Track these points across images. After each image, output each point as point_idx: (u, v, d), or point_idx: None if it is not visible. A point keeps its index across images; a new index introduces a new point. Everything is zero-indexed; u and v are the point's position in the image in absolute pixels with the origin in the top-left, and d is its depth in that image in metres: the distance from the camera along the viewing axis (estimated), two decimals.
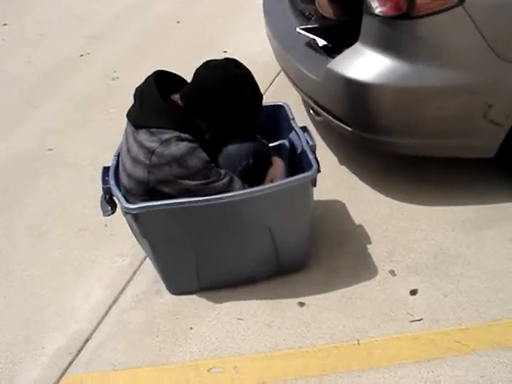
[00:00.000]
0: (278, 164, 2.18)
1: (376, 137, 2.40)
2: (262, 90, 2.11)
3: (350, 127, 2.42)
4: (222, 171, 1.99)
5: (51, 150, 3.06)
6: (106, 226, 2.57)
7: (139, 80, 2.07)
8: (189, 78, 2.08)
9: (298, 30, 2.68)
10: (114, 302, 2.23)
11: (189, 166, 1.92)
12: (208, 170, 1.96)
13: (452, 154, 2.47)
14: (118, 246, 2.46)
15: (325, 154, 2.85)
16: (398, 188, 2.63)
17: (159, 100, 1.97)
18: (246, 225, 2.06)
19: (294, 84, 2.73)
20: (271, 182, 2.11)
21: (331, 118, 2.49)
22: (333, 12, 2.84)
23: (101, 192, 2.12)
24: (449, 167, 2.65)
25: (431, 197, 2.58)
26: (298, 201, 2.08)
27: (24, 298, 2.27)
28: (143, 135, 1.95)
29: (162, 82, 2.04)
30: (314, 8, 2.92)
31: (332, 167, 2.78)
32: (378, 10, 2.20)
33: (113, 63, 3.77)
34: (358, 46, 2.30)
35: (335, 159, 2.83)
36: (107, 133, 3.07)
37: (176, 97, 2.05)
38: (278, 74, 3.35)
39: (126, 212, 1.98)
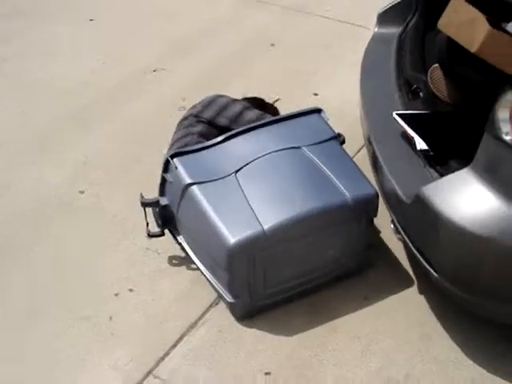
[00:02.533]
0: None
1: (469, 296, 1.74)
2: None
3: (436, 273, 1.77)
4: None
5: (82, 192, 2.61)
6: (110, 318, 2.09)
7: None
8: None
9: (394, 115, 2.03)
10: None
11: None
12: None
13: None
14: (115, 355, 1.97)
15: (402, 275, 2.21)
16: (486, 349, 1.96)
17: None
18: None
19: (376, 182, 2.09)
20: None
21: (415, 251, 1.85)
22: (448, 93, 2.16)
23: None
24: None
25: None
26: None
27: None
28: None
29: None
30: (425, 80, 2.25)
31: (407, 295, 2.14)
32: (508, 137, 1.52)
33: (185, 87, 3.26)
34: (468, 173, 1.64)
35: (414, 284, 2.17)
36: (152, 181, 2.52)
37: None
38: (360, 150, 2.71)
39: None
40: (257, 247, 1.86)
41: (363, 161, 2.42)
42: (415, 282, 2.18)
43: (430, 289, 2.14)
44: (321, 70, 3.40)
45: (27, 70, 3.47)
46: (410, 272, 2.22)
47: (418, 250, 1.83)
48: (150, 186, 2.29)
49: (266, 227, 1.84)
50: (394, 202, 1.93)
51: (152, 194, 2.23)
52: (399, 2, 2.63)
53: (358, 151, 2.69)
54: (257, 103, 2.51)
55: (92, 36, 3.82)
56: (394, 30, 2.59)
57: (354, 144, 2.66)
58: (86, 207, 2.54)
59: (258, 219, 1.86)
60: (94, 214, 2.50)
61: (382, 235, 2.33)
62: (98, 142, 2.91)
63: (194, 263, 2.19)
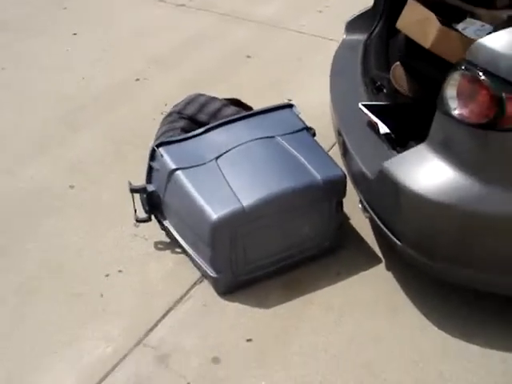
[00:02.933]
0: None
1: (429, 261, 1.93)
2: None
3: (399, 242, 1.97)
4: None
5: (72, 187, 2.77)
6: (101, 296, 2.24)
7: None
8: None
9: (359, 105, 2.25)
10: None
11: None
12: None
13: None
14: (107, 327, 2.12)
15: (370, 252, 2.41)
16: (450, 316, 2.15)
17: None
18: None
19: (346, 167, 2.30)
20: None
21: (380, 224, 2.05)
22: (408, 87, 2.39)
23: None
24: None
25: (489, 337, 2.07)
26: None
27: None
28: None
29: None
30: (388, 78, 2.48)
31: (376, 271, 2.33)
32: (456, 112, 1.74)
33: (167, 95, 3.45)
34: (423, 148, 1.85)
35: (381, 261, 2.37)
36: (137, 177, 2.69)
37: None
38: (333, 145, 2.92)
39: None
40: (237, 223, 2.04)
41: (334, 157, 2.64)
42: (383, 259, 2.38)
43: (396, 265, 2.34)
44: (294, 80, 3.62)
45: (19, 79, 3.64)
46: (378, 251, 2.41)
47: (382, 222, 2.03)
48: (136, 179, 2.43)
49: (245, 204, 2.03)
50: (361, 182, 2.14)
51: (138, 183, 2.40)
52: (365, 12, 2.87)
53: (330, 149, 2.90)
54: (234, 102, 2.72)
55: (76, 49, 4.01)
56: (361, 37, 2.82)
57: (327, 142, 2.87)
58: (76, 200, 2.70)
59: (237, 198, 2.04)
60: (84, 206, 2.67)
61: (352, 220, 2.53)
62: (87, 142, 3.08)
63: (179, 247, 2.37)
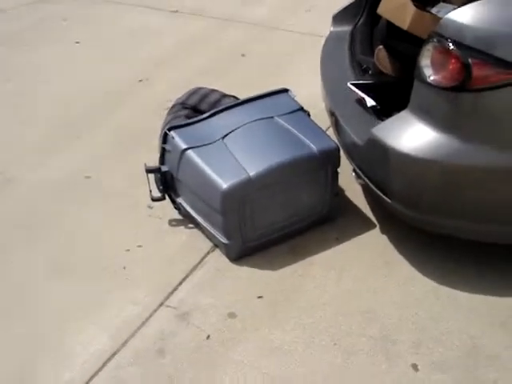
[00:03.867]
0: None
1: (417, 214, 2.18)
2: None
3: (390, 200, 2.21)
4: None
5: (89, 177, 3.01)
6: (124, 268, 2.47)
7: None
8: None
9: (348, 84, 2.51)
10: (113, 354, 2.12)
11: None
12: None
13: (501, 240, 2.21)
14: (131, 293, 2.35)
15: (365, 219, 2.65)
16: (437, 267, 2.39)
17: None
18: None
19: (340, 142, 2.55)
20: None
21: (372, 186, 2.30)
22: (391, 67, 2.64)
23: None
24: (501, 254, 2.38)
25: (474, 283, 2.32)
26: None
27: (27, 334, 2.20)
28: None
29: None
30: (373, 61, 2.74)
31: (371, 235, 2.58)
32: (431, 78, 2.00)
33: (169, 92, 3.69)
34: (405, 113, 2.10)
35: (376, 226, 2.61)
36: (149, 163, 2.93)
37: None
38: (329, 127, 3.18)
39: None
40: (245, 191, 2.29)
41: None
42: (377, 224, 2.62)
43: (389, 229, 2.59)
44: (287, 73, 3.88)
45: (27, 89, 3.89)
46: (372, 217, 2.66)
47: (374, 183, 2.27)
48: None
49: (251, 174, 2.28)
50: (353, 150, 2.39)
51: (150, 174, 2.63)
52: (350, 5, 3.13)
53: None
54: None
55: (80, 56, 4.27)
56: (347, 28, 3.08)
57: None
58: (92, 188, 2.94)
59: (244, 169, 2.29)
60: (100, 194, 2.90)
61: (346, 192, 2.78)
62: (99, 138, 3.33)
63: (191, 222, 2.61)
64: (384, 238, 2.57)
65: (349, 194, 2.78)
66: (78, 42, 4.46)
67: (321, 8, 4.80)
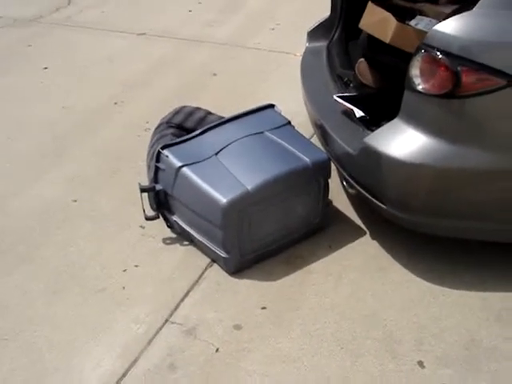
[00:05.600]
0: None
1: (411, 217, 2.28)
2: None
3: (385, 205, 2.30)
4: None
5: (75, 201, 3.00)
6: (123, 288, 2.47)
7: None
8: None
9: (335, 97, 2.60)
10: (124, 375, 2.12)
11: None
12: None
13: (492, 238, 2.33)
14: (134, 312, 2.35)
15: (356, 227, 2.74)
16: (431, 269, 2.49)
17: None
18: None
19: (329, 153, 2.63)
20: None
21: (365, 194, 2.38)
22: (372, 80, 2.76)
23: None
24: (488, 250, 2.50)
25: (466, 281, 2.43)
26: None
27: (31, 363, 2.17)
28: None
29: None
30: (353, 74, 2.85)
31: (362, 241, 2.66)
32: (420, 87, 2.11)
33: (146, 113, 3.73)
34: (397, 121, 2.20)
35: (366, 233, 2.70)
36: (133, 186, 2.96)
37: None
38: (311, 137, 3.26)
39: None
40: (244, 204, 2.33)
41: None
42: (367, 231, 2.71)
43: (379, 235, 2.68)
44: (259, 89, 3.95)
45: (4, 110, 3.86)
46: (362, 225, 2.75)
47: (367, 191, 2.36)
48: (132, 187, 2.73)
49: (249, 187, 2.33)
50: (344, 160, 2.47)
51: (136, 193, 2.65)
52: (323, 22, 3.25)
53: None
54: None
55: (50, 81, 4.24)
56: (322, 43, 3.19)
57: None
58: (81, 211, 2.93)
59: (241, 183, 2.34)
60: (89, 216, 2.89)
61: (335, 202, 2.85)
62: (79, 161, 3.31)
63: (186, 239, 2.64)
64: (375, 244, 2.65)
65: (337, 203, 2.85)
66: (45, 68, 4.43)
67: (284, 26, 4.95)
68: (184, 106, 3.01)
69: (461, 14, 2.03)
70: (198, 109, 2.98)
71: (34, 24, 5.23)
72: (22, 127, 3.66)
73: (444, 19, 2.13)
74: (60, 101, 3.95)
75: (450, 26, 2.03)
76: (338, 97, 2.58)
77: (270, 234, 2.49)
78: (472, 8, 2.04)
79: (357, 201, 2.83)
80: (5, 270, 2.59)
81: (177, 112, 2.95)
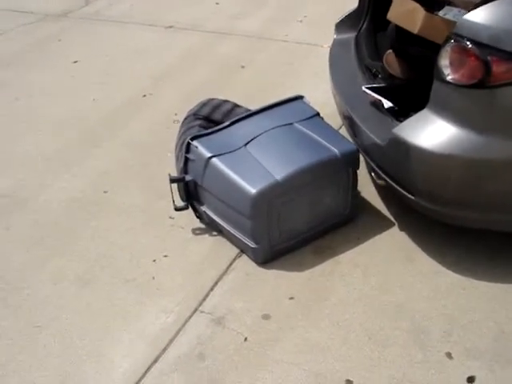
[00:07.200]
0: None
1: (440, 208, 2.26)
2: None
3: (414, 196, 2.29)
4: None
5: (106, 192, 3.05)
6: (153, 278, 2.51)
7: None
8: None
9: (363, 88, 2.59)
10: (154, 362, 2.16)
11: None
12: None
13: None
14: (164, 302, 2.39)
15: (384, 218, 2.73)
16: (460, 260, 2.48)
17: None
18: None
19: (357, 144, 2.62)
20: None
21: (394, 184, 2.38)
22: (400, 70, 2.74)
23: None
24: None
25: (495, 272, 2.41)
26: None
27: (63, 349, 2.23)
28: None
29: None
30: (381, 65, 2.83)
31: (390, 232, 2.65)
32: (449, 78, 2.09)
33: (174, 105, 3.76)
34: (426, 112, 2.19)
35: (394, 224, 2.69)
36: (163, 177, 2.99)
37: None
38: (340, 128, 3.26)
39: None
40: (273, 194, 2.35)
41: None
42: (395, 223, 2.71)
43: (407, 226, 2.67)
44: (287, 81, 3.96)
45: (34, 107, 3.92)
46: (389, 216, 2.74)
47: (396, 182, 2.36)
48: (162, 179, 2.76)
49: (278, 178, 2.35)
50: (373, 151, 2.47)
51: (165, 185, 2.68)
52: (351, 13, 3.23)
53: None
54: None
55: (81, 75, 4.30)
56: (350, 35, 3.18)
57: None
58: (111, 203, 2.97)
59: (270, 173, 2.36)
60: (119, 208, 2.94)
61: (363, 193, 2.85)
62: (110, 154, 3.36)
63: (215, 230, 2.67)
64: (403, 235, 2.65)
65: (364, 195, 2.85)
66: (75, 62, 4.49)
67: (312, 18, 4.93)
68: (211, 99, 3.03)
69: (490, 3, 2.01)
70: (226, 101, 3.00)
71: (64, 19, 5.30)
72: (53, 120, 3.73)
73: (473, 9, 2.11)
74: (90, 94, 4.01)
75: (480, 16, 2.01)
76: (367, 88, 2.58)
77: (299, 225, 2.50)
78: None
79: (385, 192, 2.83)
80: (36, 262, 2.64)
81: (204, 104, 2.98)
